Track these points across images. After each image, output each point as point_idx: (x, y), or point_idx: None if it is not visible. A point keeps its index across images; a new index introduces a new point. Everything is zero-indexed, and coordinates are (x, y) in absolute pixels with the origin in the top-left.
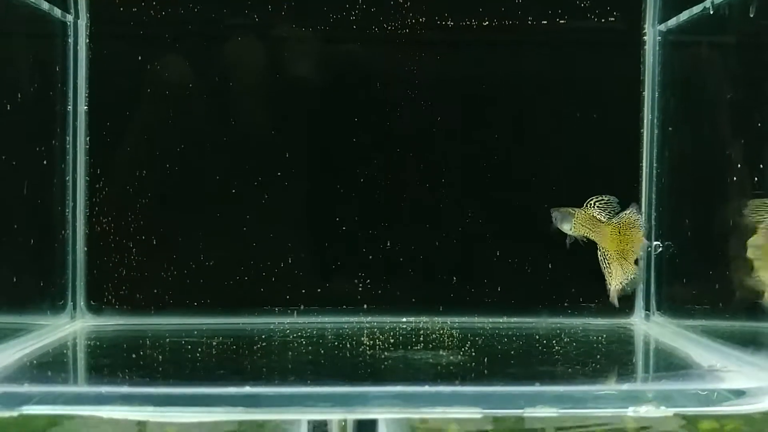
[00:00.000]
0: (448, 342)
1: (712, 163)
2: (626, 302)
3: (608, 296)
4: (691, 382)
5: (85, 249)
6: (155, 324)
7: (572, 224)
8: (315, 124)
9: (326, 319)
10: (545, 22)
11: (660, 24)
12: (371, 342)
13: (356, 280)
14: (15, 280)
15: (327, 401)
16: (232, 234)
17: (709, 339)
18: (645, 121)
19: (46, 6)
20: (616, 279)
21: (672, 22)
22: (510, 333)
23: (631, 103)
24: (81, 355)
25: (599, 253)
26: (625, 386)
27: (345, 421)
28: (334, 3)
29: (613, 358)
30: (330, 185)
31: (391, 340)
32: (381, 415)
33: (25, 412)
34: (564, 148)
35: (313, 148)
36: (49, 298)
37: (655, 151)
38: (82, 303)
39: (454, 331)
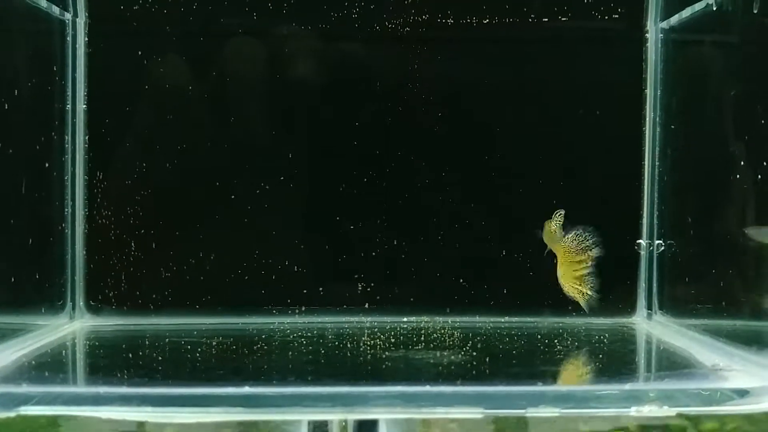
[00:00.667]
0: (449, 342)
1: (714, 161)
2: (628, 301)
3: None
4: (693, 382)
5: (84, 249)
6: (154, 324)
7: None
8: (315, 124)
9: (327, 319)
10: (547, 19)
11: (662, 21)
12: (372, 342)
13: (357, 280)
14: (14, 279)
15: (327, 401)
16: (231, 233)
17: (712, 338)
18: (647, 119)
19: (44, 4)
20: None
21: (674, 19)
22: (512, 332)
23: (633, 101)
24: (80, 356)
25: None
26: (628, 386)
27: (345, 421)
28: (334, 1)
29: (615, 358)
30: (331, 185)
31: (392, 340)
32: (382, 415)
33: (23, 412)
34: (566, 147)
35: (313, 147)
36: (47, 298)
37: (657, 149)
38: (81, 303)
39: (455, 331)
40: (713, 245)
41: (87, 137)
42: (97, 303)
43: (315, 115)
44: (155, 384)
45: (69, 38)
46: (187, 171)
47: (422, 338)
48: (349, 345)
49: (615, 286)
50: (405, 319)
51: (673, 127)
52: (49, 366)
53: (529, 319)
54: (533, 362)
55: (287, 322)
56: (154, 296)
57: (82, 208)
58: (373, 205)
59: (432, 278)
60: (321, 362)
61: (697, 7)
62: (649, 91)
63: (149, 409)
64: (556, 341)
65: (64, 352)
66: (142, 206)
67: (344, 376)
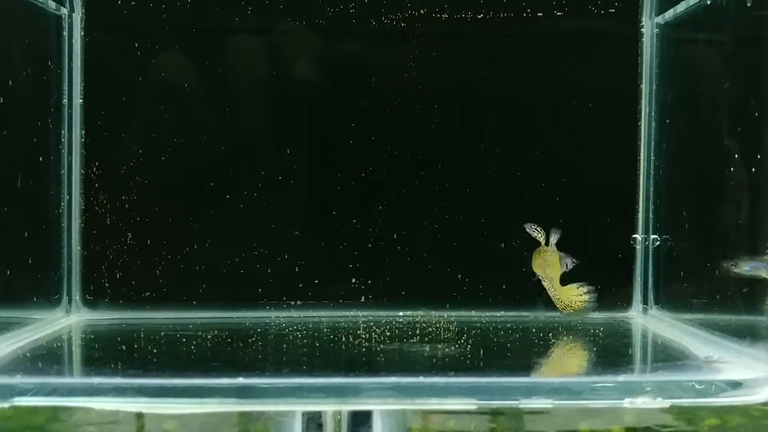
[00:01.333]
0: (444, 335)
1: (709, 155)
2: (624, 296)
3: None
4: (687, 374)
5: (80, 243)
6: (150, 318)
7: None
8: (312, 120)
9: (322, 314)
10: (542, 14)
11: (657, 16)
12: (367, 335)
13: (353, 275)
14: (9, 273)
15: (321, 392)
16: (227, 228)
17: (707, 331)
18: (642, 113)
19: None
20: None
21: (669, 14)
22: (507, 327)
23: (628, 95)
24: (75, 348)
25: None
26: (622, 378)
27: (339, 412)
28: None
29: (609, 351)
30: (327, 180)
31: (387, 334)
32: (375, 406)
33: (17, 403)
34: (562, 142)
35: (310, 143)
36: (43, 292)
37: (652, 144)
38: (77, 297)
39: (450, 325)
40: (708, 240)
41: (83, 131)
42: (93, 297)
43: (311, 110)
44: (150, 375)
45: (65, 33)
46: (183, 166)
47: (417, 332)
48: (344, 338)
49: (611, 281)
50: (401, 314)
51: (668, 121)
52: (44, 358)
53: (524, 314)
54: (528, 355)
55: (283, 316)
56: (150, 290)
57: (79, 202)
58: (370, 199)
59: (428, 273)
60: (316, 355)
61: (692, 1)
62: (644, 86)
63: (144, 399)
64: (551, 335)
65: (59, 344)
66: (138, 201)
67: (339, 368)
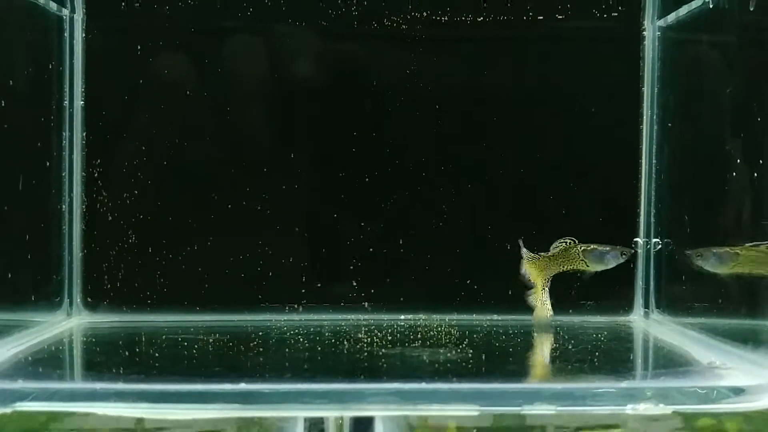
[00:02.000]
0: (445, 339)
1: (711, 159)
2: (625, 300)
3: None
4: (690, 380)
5: (82, 246)
6: (151, 321)
7: None
8: (314, 122)
9: (324, 317)
10: (543, 17)
11: (659, 19)
12: (369, 339)
13: (354, 279)
14: (11, 276)
15: (323, 398)
16: (229, 231)
17: (708, 336)
18: (644, 117)
19: (42, 0)
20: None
21: (671, 17)
22: (509, 331)
23: (630, 98)
24: (76, 352)
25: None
26: (624, 384)
27: (342, 418)
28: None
29: (611, 356)
30: (329, 183)
31: (389, 338)
32: (378, 412)
33: (19, 408)
34: (564, 145)
35: (311, 145)
36: (45, 294)
37: (654, 147)
38: (78, 300)
39: (452, 329)
40: (710, 243)
41: (84, 133)
42: (94, 300)
43: (313, 112)
44: (152, 380)
45: (66, 34)
46: (185, 168)
47: (419, 336)
48: (345, 342)
49: (612, 285)
50: (402, 317)
51: (670, 125)
52: (45, 362)
53: (526, 318)
54: (529, 360)
55: (284, 320)
56: (151, 293)
57: (80, 205)
58: (371, 203)
59: (429, 276)
60: (317, 359)
61: (694, 5)
62: (646, 89)
63: (145, 405)
64: (552, 339)
65: (60, 348)
66: (139, 203)
67: (340, 373)
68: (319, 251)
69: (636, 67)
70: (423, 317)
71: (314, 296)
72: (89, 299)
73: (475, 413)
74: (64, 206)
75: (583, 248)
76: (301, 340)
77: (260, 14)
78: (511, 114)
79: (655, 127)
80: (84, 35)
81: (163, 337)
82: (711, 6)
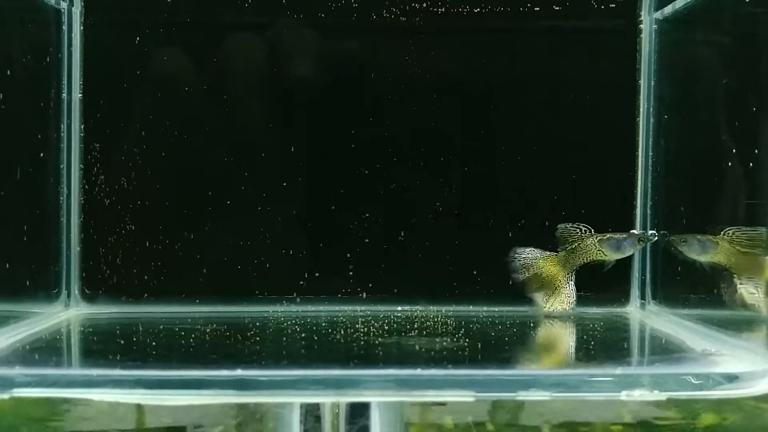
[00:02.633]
0: (442, 329)
1: (707, 151)
2: (622, 291)
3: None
4: (684, 367)
5: (80, 237)
6: (149, 312)
7: None
8: (311, 115)
9: (321, 308)
10: (540, 9)
11: (656, 11)
12: (365, 329)
13: (351, 270)
14: (8, 267)
15: (319, 384)
16: (227, 223)
17: (704, 326)
18: (641, 109)
19: None
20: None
21: (668, 9)
22: (505, 321)
23: (627, 91)
24: (74, 341)
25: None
26: (619, 370)
27: (338, 404)
28: None
29: (607, 345)
30: (326, 174)
31: (386, 328)
32: (373, 398)
33: (16, 395)
34: (560, 137)
35: (308, 137)
36: (42, 286)
37: (650, 139)
38: (76, 291)
39: (449, 320)
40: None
41: (83, 126)
42: (92, 291)
43: (311, 103)
44: (148, 367)
45: (65, 27)
46: (183, 160)
47: (416, 326)
48: (342, 332)
49: (608, 276)
50: (399, 308)
51: (666, 117)
52: (43, 350)
53: (523, 309)
54: (525, 349)
55: (281, 311)
56: (149, 285)
57: (78, 196)
58: (369, 194)
59: (426, 268)
60: (314, 348)
61: None
62: (642, 82)
63: (142, 391)
64: (548, 330)
65: (58, 338)
66: (137, 195)
67: (337, 361)
68: (316, 243)
69: (633, 59)
70: (420, 308)
71: (312, 288)
72: (87, 290)
73: (471, 399)
74: (62, 198)
75: (599, 238)
76: (298, 330)
77: (259, 6)
78: (508, 105)
79: (652, 120)
80: (82, 28)
81: (161, 327)
82: None
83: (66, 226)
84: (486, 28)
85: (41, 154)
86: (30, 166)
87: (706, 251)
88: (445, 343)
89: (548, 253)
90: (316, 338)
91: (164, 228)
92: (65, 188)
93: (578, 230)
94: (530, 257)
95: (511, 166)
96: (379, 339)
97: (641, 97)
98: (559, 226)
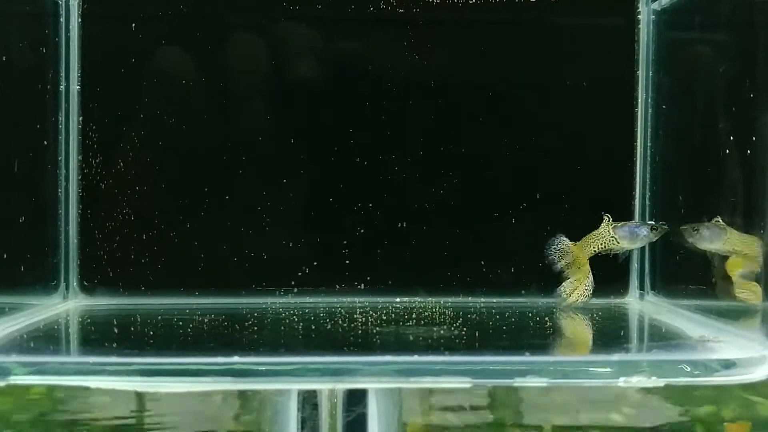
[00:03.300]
0: (440, 319)
1: (705, 141)
2: (621, 282)
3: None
4: (681, 354)
5: (78, 229)
6: (148, 304)
7: None
8: (310, 106)
9: (319, 299)
10: (535, 1)
11: (654, 2)
12: (363, 319)
13: (350, 261)
14: (6, 259)
15: (316, 371)
16: (225, 214)
17: (702, 315)
18: (639, 99)
19: None
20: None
21: (665, 0)
22: (504, 311)
23: (625, 82)
24: (72, 331)
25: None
26: (616, 357)
27: (335, 391)
28: None
29: (605, 333)
30: (325, 167)
31: (384, 318)
32: (370, 384)
33: (12, 382)
34: (559, 128)
35: (307, 130)
36: (41, 277)
37: (649, 130)
38: (74, 283)
39: (447, 310)
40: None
41: (80, 118)
42: (90, 283)
43: (308, 96)
44: (145, 355)
45: (62, 20)
46: (181, 152)
47: (414, 316)
48: (340, 322)
49: (607, 267)
50: (398, 299)
51: (664, 107)
52: (40, 340)
53: (521, 299)
54: (523, 337)
55: (280, 302)
56: (147, 277)
57: (76, 188)
58: (367, 186)
59: (424, 259)
60: (311, 337)
61: None
62: (641, 72)
63: (139, 379)
64: (547, 319)
65: (56, 328)
66: (135, 187)
67: (334, 348)
68: (314, 234)
69: (631, 50)
70: (418, 299)
71: (310, 279)
72: (85, 283)
73: (468, 385)
74: (60, 189)
75: (613, 225)
76: (296, 320)
77: (258, 1)
78: (507, 97)
79: (650, 110)
80: (80, 20)
81: (159, 317)
82: None
83: (64, 218)
84: (484, 20)
85: (39, 146)
86: (28, 157)
87: (717, 239)
88: (442, 332)
89: (572, 242)
90: (313, 328)
91: (162, 220)
92: (63, 180)
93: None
94: (565, 246)
95: (510, 156)
96: (377, 328)
97: (639, 88)
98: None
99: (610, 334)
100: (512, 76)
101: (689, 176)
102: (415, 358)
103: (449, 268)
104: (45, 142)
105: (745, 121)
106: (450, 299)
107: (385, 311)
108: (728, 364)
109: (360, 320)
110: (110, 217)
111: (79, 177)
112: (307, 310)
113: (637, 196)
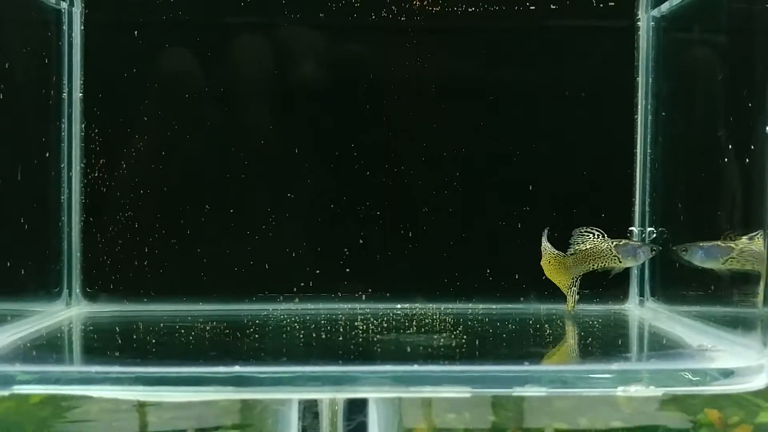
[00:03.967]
0: (440, 327)
1: (704, 148)
2: (620, 288)
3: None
4: (680, 362)
5: (81, 236)
6: (150, 310)
7: None
8: (312, 114)
9: (320, 306)
10: (537, 8)
11: (653, 9)
12: (364, 327)
13: (351, 268)
14: (10, 266)
15: (317, 381)
16: (227, 222)
17: (701, 323)
18: (639, 106)
19: None
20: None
21: (665, 7)
22: (504, 318)
23: (625, 88)
24: (75, 339)
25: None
26: (615, 366)
27: (336, 400)
28: None
29: (604, 341)
30: (326, 174)
31: (384, 325)
32: (371, 394)
33: (16, 391)
34: (558, 135)
35: (309, 137)
36: (44, 284)
37: (648, 136)
38: (77, 290)
39: (447, 317)
40: (703, 232)
41: (83, 125)
42: (93, 290)
43: (310, 103)
44: (148, 364)
45: (65, 27)
46: (183, 159)
47: (414, 323)
48: (341, 330)
49: (607, 273)
50: (398, 306)
51: (664, 114)
52: (43, 348)
53: (521, 306)
54: (523, 346)
55: (281, 309)
56: (149, 283)
57: (79, 195)
58: (368, 193)
59: (425, 266)
60: (313, 345)
61: None
62: (640, 79)
63: (141, 388)
64: (547, 326)
65: (59, 335)
66: (138, 195)
67: (335, 358)
68: (316, 242)
69: (631, 57)
70: (419, 306)
71: (311, 286)
72: (88, 289)
73: (467, 395)
74: (62, 197)
75: (615, 243)
76: (298, 327)
77: (259, 7)
78: (507, 103)
79: (650, 117)
80: (82, 27)
81: (161, 325)
82: None
83: (67, 225)
84: (483, 29)
85: (42, 154)
86: (31, 165)
87: (711, 258)
88: (442, 340)
89: (557, 252)
90: (314, 336)
91: (165, 227)
92: (66, 187)
93: (591, 234)
94: (544, 246)
95: (510, 163)
96: (378, 336)
97: (639, 94)
98: (574, 230)
99: (609, 342)
100: (512, 83)
101: (688, 183)
102: (415, 367)
103: (449, 275)
104: (48, 150)
105: (745, 128)
106: (450, 305)
107: (385, 318)
108: (726, 373)
109: (361, 327)
110: (113, 224)
111: (82, 184)
112: (308, 317)
113: (637, 202)
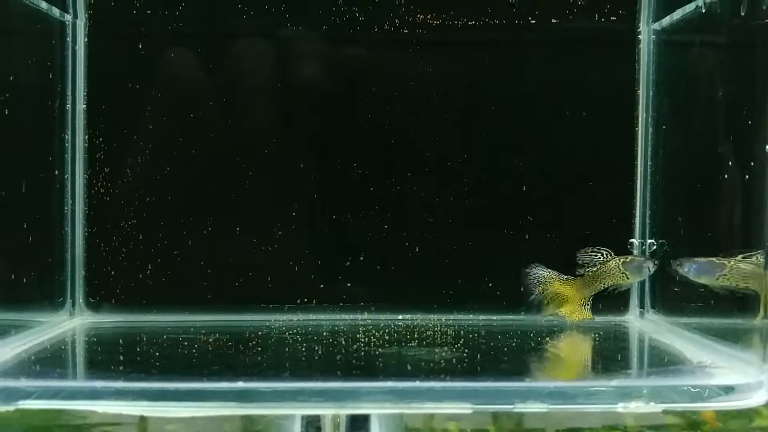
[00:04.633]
0: (441, 339)
1: (704, 161)
2: (621, 300)
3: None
4: (680, 379)
5: (84, 246)
6: (153, 321)
7: None
8: (314, 124)
9: (322, 317)
10: (538, 21)
11: (654, 23)
12: (366, 339)
13: (352, 279)
14: (13, 277)
15: (320, 396)
16: (230, 233)
17: (702, 336)
18: (639, 119)
19: (44, 6)
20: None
21: (666, 20)
22: (504, 330)
23: (625, 101)
24: (78, 352)
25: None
26: (615, 382)
27: (338, 416)
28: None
29: (605, 355)
30: (328, 184)
31: (386, 338)
32: (373, 410)
33: (21, 406)
34: (559, 147)
35: (312, 148)
36: (47, 295)
37: (649, 149)
38: (80, 300)
39: (448, 329)
40: (704, 244)
41: (87, 136)
42: (96, 300)
43: (313, 115)
44: (151, 379)
45: (69, 39)
46: (186, 170)
47: (415, 336)
48: (343, 342)
49: (613, 289)
50: (400, 317)
51: (664, 127)
52: (48, 361)
53: (522, 318)
54: (523, 359)
55: (283, 320)
56: (153, 294)
57: (82, 206)
58: (370, 204)
59: (427, 277)
60: (315, 359)
61: (688, 9)
62: (641, 92)
63: (145, 403)
64: (547, 339)
65: (63, 348)
66: (141, 205)
67: (337, 372)
68: (318, 253)
69: (631, 69)
70: (420, 317)
71: (313, 297)
72: (91, 300)
73: (469, 411)
74: (66, 208)
75: (622, 260)
76: (300, 339)
77: (262, 19)
78: (508, 116)
79: (650, 130)
80: (86, 40)
81: (165, 336)
82: (704, 11)
83: (71, 236)
84: (483, 40)
85: (46, 165)
86: (35, 176)
87: (704, 274)
88: (444, 354)
89: (566, 276)
90: (316, 348)
91: (168, 237)
92: (69, 199)
93: (599, 254)
94: (545, 276)
95: (511, 175)
96: (380, 350)
97: (640, 107)
98: (579, 252)
99: (610, 356)
100: (513, 95)
101: (689, 196)
102: (417, 383)
103: (451, 286)
104: (51, 161)
105: (745, 141)
106: (451, 317)
107: (387, 330)
108: (727, 390)
109: (363, 340)
110: (116, 235)
111: (86, 195)
112: (310, 329)
113: (637, 215)
